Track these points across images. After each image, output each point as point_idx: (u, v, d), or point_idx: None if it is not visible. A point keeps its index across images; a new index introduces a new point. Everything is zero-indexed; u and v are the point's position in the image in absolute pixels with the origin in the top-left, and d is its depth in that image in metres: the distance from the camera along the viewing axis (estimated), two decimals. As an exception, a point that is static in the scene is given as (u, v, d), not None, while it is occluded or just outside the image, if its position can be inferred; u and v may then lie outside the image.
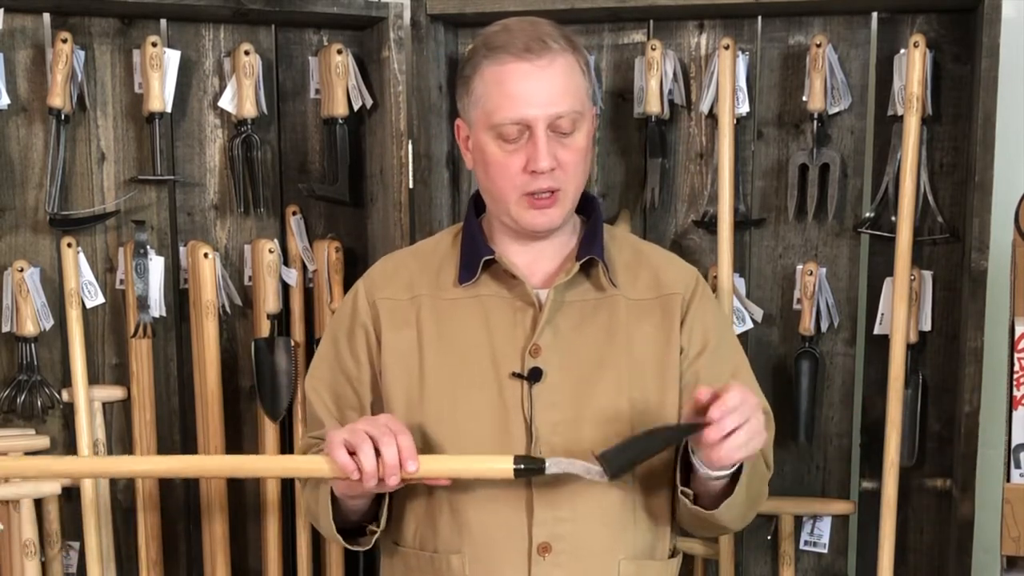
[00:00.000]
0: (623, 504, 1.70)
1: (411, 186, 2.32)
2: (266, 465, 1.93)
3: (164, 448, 2.36)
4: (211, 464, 1.94)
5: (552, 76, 1.65)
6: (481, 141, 1.69)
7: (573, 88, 1.67)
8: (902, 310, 2.20)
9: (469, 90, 1.70)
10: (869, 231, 2.27)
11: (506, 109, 1.64)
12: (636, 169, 2.36)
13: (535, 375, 1.68)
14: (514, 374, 1.68)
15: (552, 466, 1.61)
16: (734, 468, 1.61)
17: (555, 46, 1.66)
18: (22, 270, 2.21)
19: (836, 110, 2.26)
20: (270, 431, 2.37)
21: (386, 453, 1.57)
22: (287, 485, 2.40)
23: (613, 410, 1.65)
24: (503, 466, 1.61)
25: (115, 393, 2.33)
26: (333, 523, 1.69)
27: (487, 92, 1.67)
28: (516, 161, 1.66)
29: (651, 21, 2.31)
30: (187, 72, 2.33)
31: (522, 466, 1.60)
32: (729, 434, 1.53)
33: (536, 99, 1.64)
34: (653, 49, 2.27)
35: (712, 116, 2.29)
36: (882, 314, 2.27)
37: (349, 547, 1.74)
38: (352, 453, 1.58)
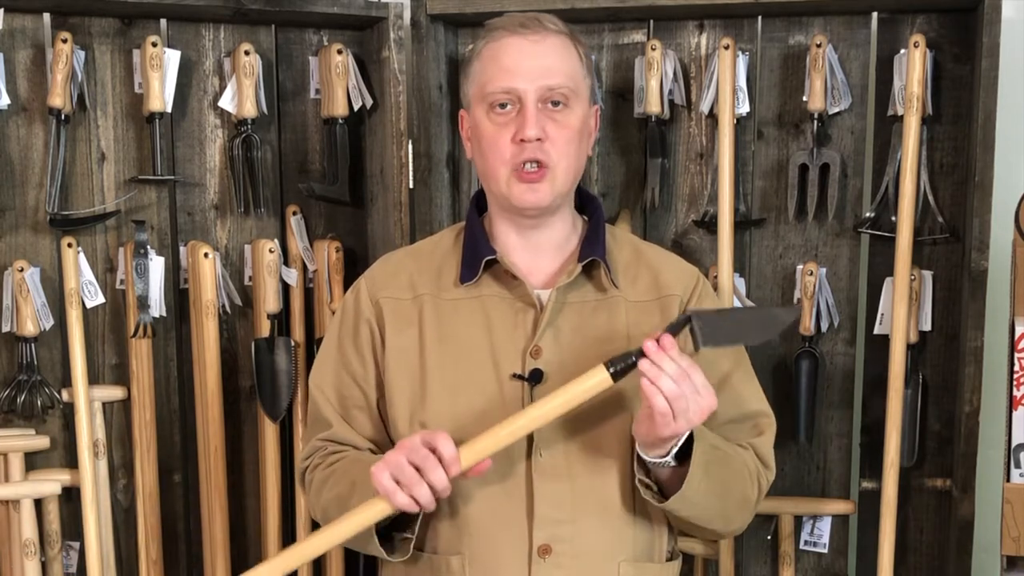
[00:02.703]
0: (623, 506, 1.70)
1: (411, 186, 2.32)
2: (334, 531, 1.66)
3: (164, 448, 2.36)
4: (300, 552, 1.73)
5: (545, 51, 1.68)
6: (476, 118, 1.72)
7: (567, 67, 1.70)
8: (902, 310, 2.20)
9: (468, 72, 1.74)
10: (869, 231, 2.27)
11: (498, 79, 1.68)
12: (636, 169, 2.36)
13: (536, 376, 1.68)
14: (515, 375, 1.68)
15: (639, 354, 1.56)
16: (668, 453, 1.60)
17: (551, 27, 1.70)
18: (22, 270, 2.21)
19: (836, 110, 2.26)
20: (270, 431, 2.37)
21: (434, 479, 1.57)
22: (287, 485, 2.40)
23: (613, 412, 1.65)
24: (600, 377, 1.57)
25: (115, 393, 2.33)
26: (376, 537, 1.65)
27: (482, 67, 1.71)
28: (506, 133, 1.68)
29: (651, 21, 2.31)
30: (187, 72, 2.33)
31: (617, 368, 1.57)
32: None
33: (528, 71, 1.67)
34: (653, 49, 2.27)
35: (712, 116, 2.29)
36: (882, 314, 2.27)
37: (388, 558, 1.68)
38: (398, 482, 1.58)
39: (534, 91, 1.67)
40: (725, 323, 1.60)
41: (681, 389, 1.54)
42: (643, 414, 1.58)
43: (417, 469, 1.57)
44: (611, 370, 1.57)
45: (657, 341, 1.56)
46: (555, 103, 1.68)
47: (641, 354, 1.57)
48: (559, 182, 1.70)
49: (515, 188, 1.69)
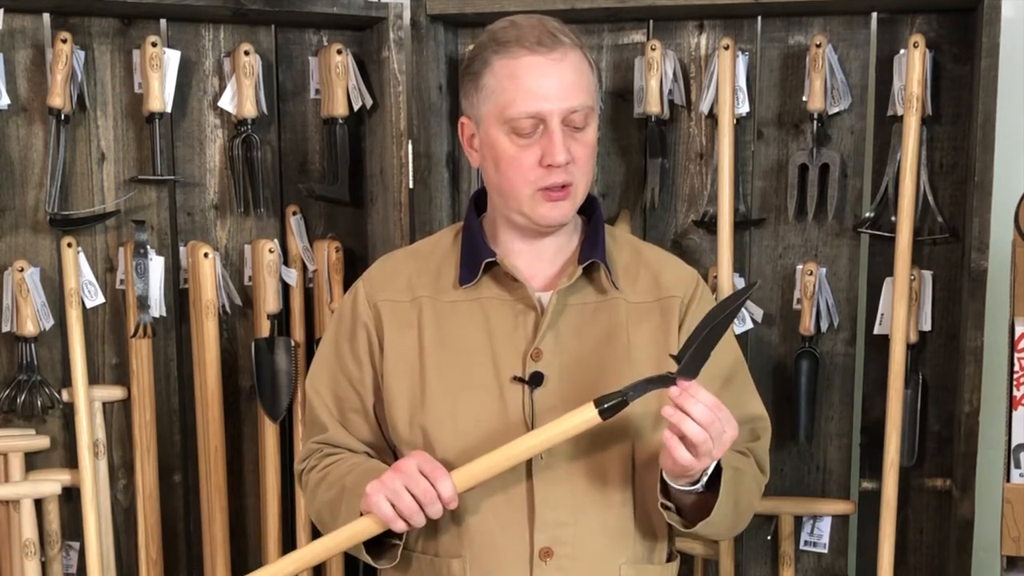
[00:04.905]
0: (623, 508, 1.69)
1: (411, 186, 2.32)
2: (324, 545, 1.69)
3: (164, 448, 2.36)
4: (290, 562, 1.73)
5: (565, 70, 1.64)
6: (492, 136, 1.67)
7: (584, 83, 1.67)
8: (902, 310, 2.20)
9: (479, 86, 1.68)
10: (869, 231, 2.28)
11: (521, 103, 1.63)
12: (636, 169, 2.36)
13: (536, 379, 1.67)
14: (515, 378, 1.68)
15: (632, 393, 1.57)
16: (698, 482, 1.61)
17: (566, 41, 1.66)
18: (22, 270, 2.21)
19: (836, 110, 2.26)
20: (270, 431, 2.37)
21: (430, 512, 1.59)
22: (287, 485, 2.40)
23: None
24: (588, 415, 1.57)
25: (115, 393, 2.33)
26: (363, 547, 1.66)
27: (500, 86, 1.65)
28: (530, 155, 1.65)
29: (651, 21, 2.31)
30: (187, 72, 2.33)
31: (605, 406, 1.57)
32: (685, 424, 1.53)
33: (551, 93, 1.63)
34: (653, 49, 2.27)
35: (712, 116, 2.29)
36: (882, 314, 2.27)
37: (374, 564, 1.70)
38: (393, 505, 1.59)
39: (559, 113, 1.63)
40: (701, 347, 1.58)
41: (708, 433, 1.53)
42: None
43: (414, 497, 1.58)
44: (600, 408, 1.57)
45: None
46: (576, 124, 1.65)
47: (632, 393, 1.57)
48: (579, 197, 1.70)
49: (541, 208, 1.67)
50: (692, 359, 1.56)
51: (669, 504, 1.65)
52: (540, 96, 1.63)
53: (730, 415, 1.57)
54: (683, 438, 1.53)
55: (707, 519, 1.62)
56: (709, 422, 1.53)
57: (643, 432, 1.68)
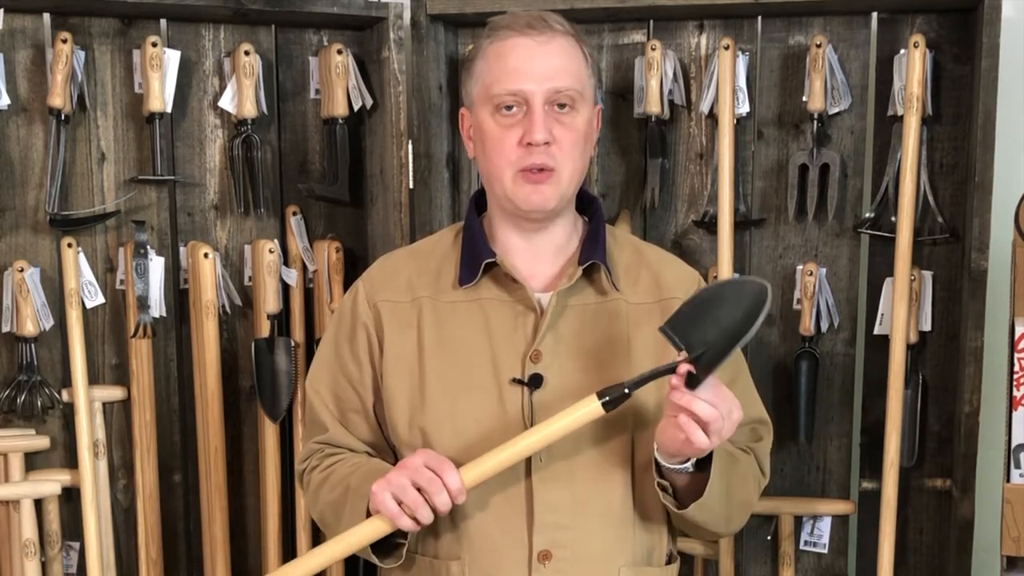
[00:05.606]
0: (622, 510, 1.69)
1: (411, 186, 2.32)
2: (333, 548, 1.67)
3: (164, 448, 2.36)
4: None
5: (552, 52, 1.66)
6: (480, 119, 1.69)
7: (573, 68, 1.68)
8: (902, 310, 2.20)
9: (471, 71, 1.71)
10: (869, 231, 2.28)
11: (504, 81, 1.65)
12: (636, 169, 2.36)
13: (536, 381, 1.67)
14: (514, 380, 1.67)
15: (632, 386, 1.58)
16: (688, 461, 1.61)
17: (557, 27, 1.68)
18: (22, 270, 2.21)
19: (836, 110, 2.26)
20: (270, 431, 2.37)
21: (438, 503, 1.58)
22: (287, 485, 2.40)
23: (613, 416, 1.63)
24: (591, 407, 1.57)
25: (115, 393, 2.33)
26: (370, 548, 1.66)
27: (488, 67, 1.68)
28: (512, 135, 1.66)
29: (651, 21, 2.31)
30: (187, 72, 2.33)
31: (608, 398, 1.57)
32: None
33: (535, 73, 1.65)
34: (653, 49, 2.27)
35: (712, 116, 2.29)
36: (882, 314, 2.27)
37: (379, 563, 1.69)
38: (400, 502, 1.59)
39: (541, 93, 1.64)
40: (715, 336, 1.56)
41: (718, 411, 1.53)
42: (669, 424, 1.57)
43: (420, 490, 1.58)
44: (603, 400, 1.57)
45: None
46: (561, 106, 1.66)
47: (634, 385, 1.57)
48: (564, 185, 1.69)
49: (521, 189, 1.67)
50: (684, 329, 1.56)
51: (665, 483, 1.65)
52: (523, 74, 1.65)
53: (732, 395, 1.58)
54: (693, 419, 1.53)
55: (700, 500, 1.62)
56: (717, 400, 1.53)
57: (643, 435, 1.68)
